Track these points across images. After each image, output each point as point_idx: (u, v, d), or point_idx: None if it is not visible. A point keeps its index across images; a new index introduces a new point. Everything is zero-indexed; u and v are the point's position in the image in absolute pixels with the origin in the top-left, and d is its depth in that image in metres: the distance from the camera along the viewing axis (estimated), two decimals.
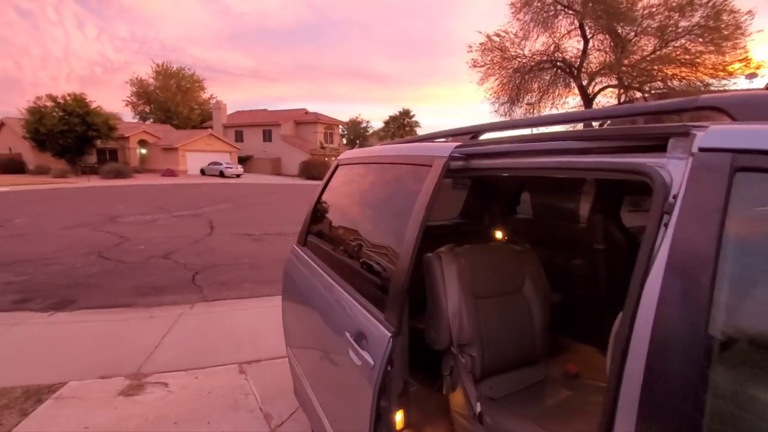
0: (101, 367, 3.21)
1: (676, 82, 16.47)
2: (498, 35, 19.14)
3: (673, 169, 0.80)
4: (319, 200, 2.38)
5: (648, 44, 17.05)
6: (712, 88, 15.20)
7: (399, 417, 1.70)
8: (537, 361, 1.77)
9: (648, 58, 16.76)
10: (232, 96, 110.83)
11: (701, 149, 0.75)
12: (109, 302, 4.73)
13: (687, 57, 15.91)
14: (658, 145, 0.87)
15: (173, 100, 48.05)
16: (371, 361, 1.30)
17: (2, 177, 25.46)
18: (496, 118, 19.87)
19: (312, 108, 44.19)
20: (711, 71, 15.77)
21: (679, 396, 0.68)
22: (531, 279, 1.82)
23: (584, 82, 19.03)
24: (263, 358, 3.45)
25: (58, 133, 27.00)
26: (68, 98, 27.97)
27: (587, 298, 2.31)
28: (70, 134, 27.30)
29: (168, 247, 7.61)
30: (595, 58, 18.84)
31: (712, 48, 15.40)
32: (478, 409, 1.47)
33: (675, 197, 0.77)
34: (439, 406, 1.89)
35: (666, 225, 0.77)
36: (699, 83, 15.78)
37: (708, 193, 0.72)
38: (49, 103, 27.66)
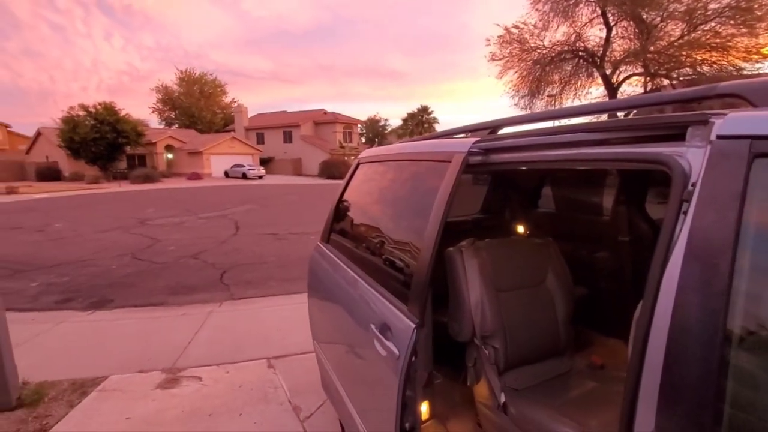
0: (139, 362, 3.39)
1: (706, 68, 15.76)
2: (516, 27, 18.78)
3: (692, 157, 0.81)
4: (341, 198, 2.44)
5: (675, 29, 16.37)
6: (745, 73, 14.49)
7: (424, 408, 1.75)
8: (561, 353, 1.77)
9: (675, 44, 16.10)
10: (252, 99, 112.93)
11: (719, 137, 0.76)
12: (143, 301, 4.95)
13: (717, 41, 15.19)
14: (677, 134, 0.87)
15: (197, 105, 49.41)
16: (396, 351, 1.35)
17: (41, 184, 26.83)
18: (516, 112, 19.56)
19: (330, 108, 44.61)
20: (744, 55, 15.00)
21: (699, 382, 0.69)
22: (553, 272, 1.82)
23: (608, 72, 18.46)
24: (290, 353, 3.55)
25: (90, 141, 28.22)
26: (99, 107, 29.21)
27: (612, 290, 2.29)
28: (102, 141, 28.49)
29: (196, 248, 7.87)
30: (618, 46, 18.23)
31: (744, 30, 14.65)
32: (503, 399, 1.50)
33: (694, 185, 0.77)
34: (463, 398, 1.92)
35: (685, 213, 0.77)
36: (731, 68, 15.05)
37: (726, 180, 0.72)
38: (82, 113, 28.94)
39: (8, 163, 32.80)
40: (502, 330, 1.62)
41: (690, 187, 0.78)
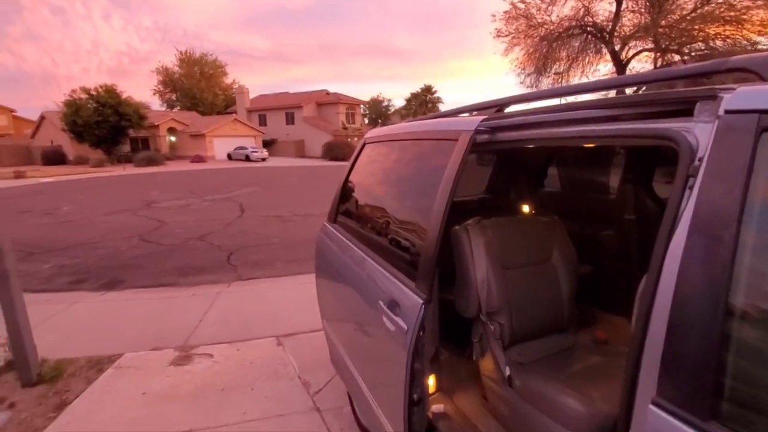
0: (152, 340, 3.49)
1: (719, 42, 15.30)
2: (523, 2, 18.26)
3: (700, 132, 0.81)
4: (347, 179, 2.45)
5: (688, 2, 15.84)
6: (760, 47, 14.06)
7: (431, 381, 1.81)
8: (565, 328, 1.81)
9: (688, 17, 15.59)
10: (254, 80, 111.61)
11: (727, 111, 0.76)
12: (153, 282, 5.05)
13: (732, 14, 14.69)
14: (685, 109, 0.87)
15: (198, 87, 48.94)
16: (405, 327, 1.38)
17: (47, 168, 26.98)
18: (522, 91, 19.18)
19: (334, 88, 43.96)
20: (759, 28, 14.53)
21: (700, 353, 0.71)
22: (559, 250, 1.84)
23: (617, 48, 17.99)
24: (299, 331, 3.64)
25: (93, 124, 28.21)
26: (100, 90, 29.05)
27: (617, 269, 2.31)
28: (105, 125, 28.46)
29: (202, 230, 7.95)
30: (628, 21, 17.69)
31: (760, 2, 14.16)
32: (508, 372, 1.54)
33: (701, 160, 0.78)
34: (468, 372, 1.98)
35: (691, 188, 0.78)
36: (745, 42, 14.61)
37: (733, 154, 0.73)
38: (83, 96, 28.83)
39: (15, 148, 32.97)
40: (508, 306, 1.65)
41: (697, 162, 0.78)
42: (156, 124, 34.56)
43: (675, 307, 0.76)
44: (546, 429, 1.38)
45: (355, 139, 32.62)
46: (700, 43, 15.89)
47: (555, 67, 19.37)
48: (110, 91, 29.14)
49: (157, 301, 4.44)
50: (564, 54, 19.12)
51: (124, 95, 29.86)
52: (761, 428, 0.67)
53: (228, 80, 53.65)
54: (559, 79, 19.25)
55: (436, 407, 1.76)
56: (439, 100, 45.26)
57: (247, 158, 32.41)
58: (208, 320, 3.92)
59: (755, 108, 0.72)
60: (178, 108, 47.88)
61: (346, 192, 2.49)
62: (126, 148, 32.03)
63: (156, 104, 48.92)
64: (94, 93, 28.92)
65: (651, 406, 0.77)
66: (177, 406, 2.62)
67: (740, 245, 0.70)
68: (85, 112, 27.97)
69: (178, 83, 50.13)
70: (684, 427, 0.71)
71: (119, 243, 7.05)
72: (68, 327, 3.81)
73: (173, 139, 36.63)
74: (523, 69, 19.74)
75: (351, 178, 2.44)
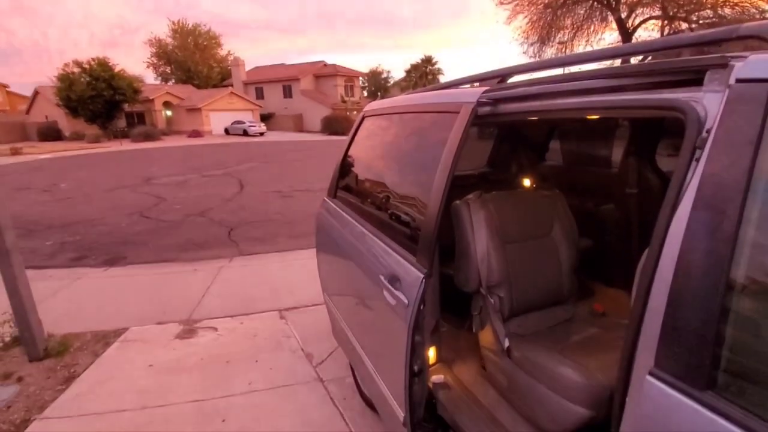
0: (157, 315, 3.54)
1: (728, 10, 14.82)
2: None
3: (709, 102, 0.78)
4: (347, 153, 2.42)
5: None
6: None
7: (432, 352, 1.84)
8: (564, 301, 1.83)
9: None
10: (249, 52, 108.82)
11: (738, 80, 0.73)
12: (155, 257, 5.09)
13: None
14: (694, 78, 0.85)
15: (192, 59, 47.73)
16: (405, 300, 1.40)
17: (43, 144, 26.69)
18: (525, 60, 18.70)
19: (332, 60, 42.94)
20: None
21: (699, 325, 0.71)
22: (559, 224, 1.84)
23: (623, 15, 17.44)
24: (301, 305, 3.69)
25: (87, 99, 27.73)
26: (93, 63, 28.39)
27: (618, 243, 2.32)
28: (99, 99, 27.98)
29: (202, 206, 7.95)
30: None
31: None
32: (507, 344, 1.57)
33: (708, 131, 0.76)
34: (468, 344, 2.02)
35: (697, 160, 0.77)
36: (754, 10, 14.14)
37: (742, 125, 0.71)
38: (76, 69, 28.20)
39: (10, 125, 32.48)
40: (508, 280, 1.66)
41: (704, 134, 0.76)
42: (151, 98, 33.91)
43: (676, 281, 0.76)
44: (543, 398, 1.41)
45: (354, 112, 32.10)
46: (708, 11, 15.40)
47: (559, 36, 18.87)
48: (103, 65, 28.48)
49: (160, 276, 4.49)
50: (569, 22, 18.57)
51: (117, 68, 29.22)
52: (754, 396, 0.69)
53: (223, 52, 52.29)
54: (563, 49, 18.77)
55: (436, 378, 1.80)
56: (439, 71, 44.19)
57: (245, 133, 31.99)
58: (210, 294, 3.97)
59: (767, 77, 0.70)
60: (173, 81, 46.86)
61: (345, 167, 2.46)
62: (122, 123, 31.59)
63: (150, 77, 47.88)
64: (86, 67, 28.29)
65: (648, 377, 0.79)
66: (184, 377, 2.69)
67: (744, 220, 0.69)
68: (79, 87, 27.46)
69: (171, 55, 48.83)
70: (680, 396, 0.73)
71: (119, 220, 7.06)
72: (73, 302, 3.87)
73: (169, 113, 36.04)
74: (527, 38, 19.24)
75: (350, 152, 2.41)
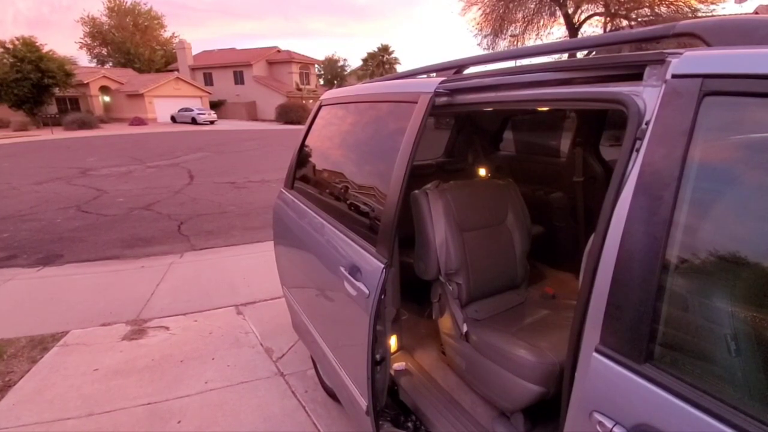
0: (100, 316, 3.31)
1: (663, 9, 15.96)
2: None
3: (648, 96, 0.84)
4: (304, 142, 2.37)
5: None
6: (700, 14, 14.82)
7: (393, 341, 1.87)
8: (518, 285, 1.91)
9: None
10: (196, 35, 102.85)
11: (674, 76, 0.79)
12: (96, 255, 4.74)
13: None
14: (636, 73, 0.90)
15: (132, 41, 44.35)
16: (366, 291, 1.40)
17: None
18: (480, 53, 19.13)
19: (285, 46, 41.46)
20: None
21: (638, 303, 0.77)
22: (513, 211, 1.92)
23: (570, 10, 18.26)
24: (258, 300, 3.60)
25: (12, 82, 25.02)
26: (17, 43, 25.59)
27: (566, 228, 2.45)
28: (25, 83, 25.32)
29: (148, 199, 7.48)
30: None
31: None
32: (465, 329, 1.62)
33: (647, 123, 0.81)
34: (428, 331, 2.07)
35: (638, 150, 0.82)
36: (687, 9, 15.33)
37: (676, 118, 0.76)
38: None
39: None
40: (465, 267, 1.71)
41: (644, 126, 0.82)
42: (85, 82, 31.13)
43: (619, 263, 0.81)
44: (500, 378, 1.48)
45: (311, 101, 31.38)
46: (646, 9, 16.48)
47: (511, 29, 19.44)
48: (29, 44, 25.72)
49: (102, 275, 4.19)
50: (520, 15, 19.19)
51: (46, 49, 26.50)
52: (686, 365, 0.76)
53: (166, 34, 49.07)
54: (515, 42, 19.39)
55: (398, 365, 1.84)
56: (396, 60, 44.12)
57: (194, 121, 30.33)
58: (160, 292, 3.77)
59: (699, 72, 0.75)
60: (111, 64, 43.38)
61: (302, 157, 2.41)
62: (52, 109, 28.81)
63: (84, 60, 44.06)
64: (10, 47, 25.45)
65: (594, 354, 0.84)
66: (133, 380, 2.55)
67: (678, 205, 0.75)
68: (1, 69, 24.67)
69: (108, 36, 45.05)
70: (622, 370, 0.79)
71: (53, 215, 6.48)
72: (3, 306, 3.52)
73: (107, 99, 33.36)
74: (480, 30, 19.67)
75: (307, 141, 2.36)
